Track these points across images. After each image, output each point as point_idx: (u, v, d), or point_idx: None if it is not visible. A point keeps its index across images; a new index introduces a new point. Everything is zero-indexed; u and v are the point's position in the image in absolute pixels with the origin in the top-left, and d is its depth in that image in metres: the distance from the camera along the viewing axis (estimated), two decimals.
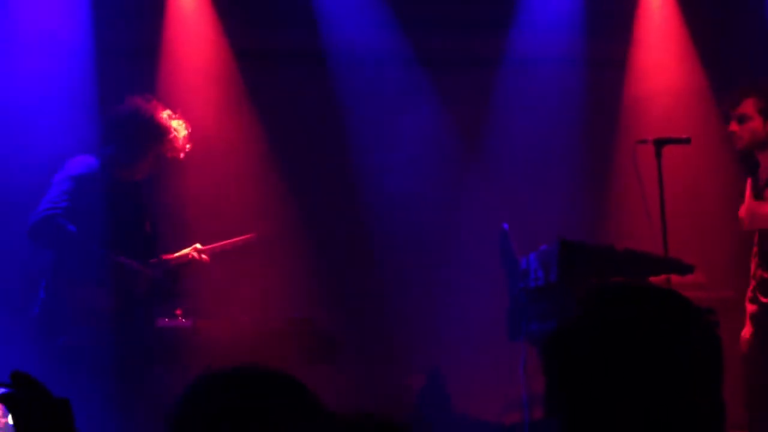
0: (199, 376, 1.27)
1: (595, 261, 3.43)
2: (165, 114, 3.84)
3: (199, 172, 4.77)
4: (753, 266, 4.00)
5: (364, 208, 5.15)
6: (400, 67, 5.22)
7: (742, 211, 3.96)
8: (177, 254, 3.97)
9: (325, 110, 5.17)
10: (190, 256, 3.96)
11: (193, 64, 4.99)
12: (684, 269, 3.56)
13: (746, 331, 3.98)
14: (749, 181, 4.03)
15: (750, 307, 4.00)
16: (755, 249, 4.01)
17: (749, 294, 4.02)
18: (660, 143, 3.93)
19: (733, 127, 3.97)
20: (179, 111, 3.94)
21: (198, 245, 4.02)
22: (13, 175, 4.33)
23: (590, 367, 1.20)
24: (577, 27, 5.24)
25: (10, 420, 1.17)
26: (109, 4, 4.69)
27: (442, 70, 5.31)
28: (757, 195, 3.97)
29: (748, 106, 3.92)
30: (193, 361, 3.65)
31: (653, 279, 3.53)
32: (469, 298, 4.97)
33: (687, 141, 4.01)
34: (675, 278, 3.61)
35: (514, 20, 5.25)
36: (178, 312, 3.87)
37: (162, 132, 3.80)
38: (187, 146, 3.89)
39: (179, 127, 3.85)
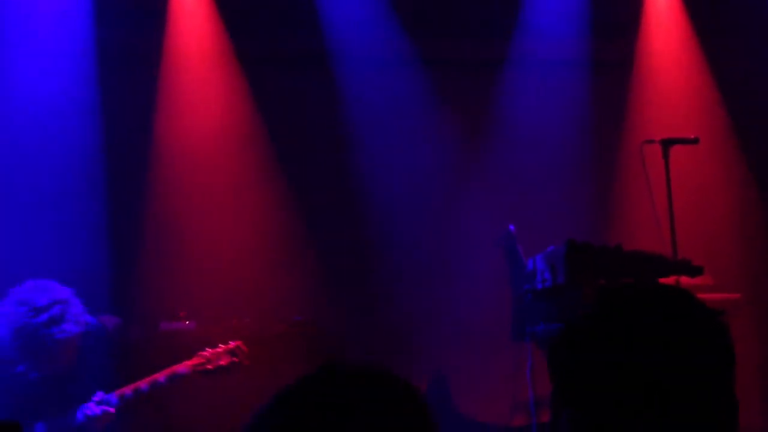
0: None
1: (602, 262, 3.39)
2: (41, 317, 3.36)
3: (204, 174, 4.74)
4: None
5: (369, 210, 5.13)
6: (405, 71, 5.19)
7: None
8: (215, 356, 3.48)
9: (329, 113, 5.14)
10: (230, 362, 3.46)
11: (196, 67, 4.97)
12: (692, 271, 3.52)
13: None
14: None
15: None
16: None
17: None
18: (667, 143, 3.90)
19: None
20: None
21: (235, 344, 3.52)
22: (14, 177, 4.31)
23: (598, 367, 1.19)
24: (582, 28, 5.21)
25: None
26: (111, 8, 4.67)
27: (448, 73, 5.28)
28: None
29: None
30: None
31: (662, 280, 3.49)
32: (473, 300, 4.94)
33: (695, 141, 3.98)
34: (683, 280, 3.57)
35: (518, 22, 5.22)
36: (182, 314, 3.83)
37: (50, 333, 3.32)
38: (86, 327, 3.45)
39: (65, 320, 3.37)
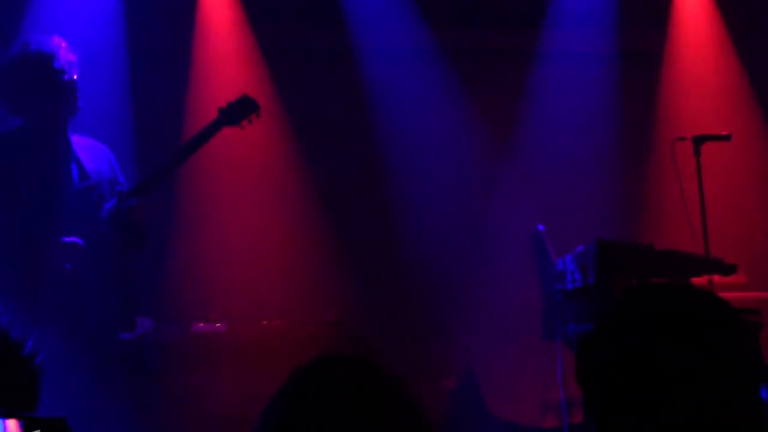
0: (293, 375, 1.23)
1: (634, 262, 3.35)
2: (26, 45, 3.36)
3: (233, 174, 4.77)
4: None
5: (398, 208, 5.12)
6: (432, 66, 5.17)
7: None
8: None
9: (354, 111, 5.14)
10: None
11: (223, 66, 4.99)
12: (726, 269, 3.47)
13: None
14: None
15: None
16: None
17: None
18: (699, 140, 3.85)
19: None
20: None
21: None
22: None
23: (627, 367, 1.19)
24: (611, 19, 5.15)
25: None
26: (141, 8, 4.71)
27: (475, 67, 5.25)
28: None
29: None
30: (228, 365, 3.64)
31: (694, 280, 3.45)
32: (502, 298, 4.91)
33: (727, 138, 3.92)
34: (717, 278, 3.52)
35: (546, 14, 5.17)
36: (213, 317, 3.86)
37: (37, 59, 3.30)
38: (72, 59, 3.40)
39: (49, 45, 3.36)
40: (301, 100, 5.10)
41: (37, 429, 1.10)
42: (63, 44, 3.41)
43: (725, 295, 1.28)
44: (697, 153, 3.83)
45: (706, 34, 5.25)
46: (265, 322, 4.07)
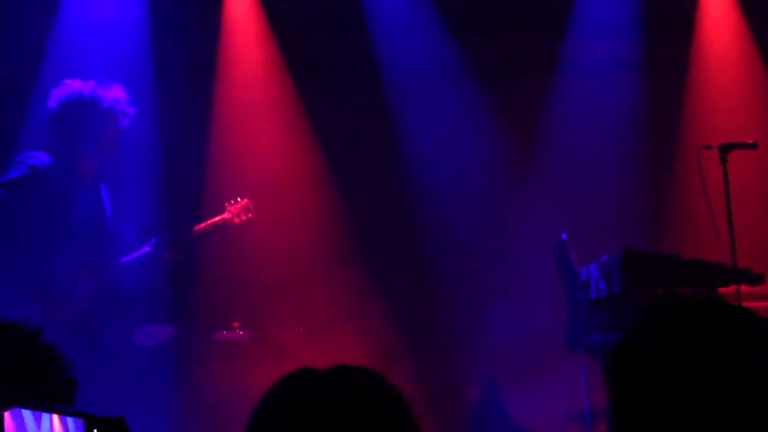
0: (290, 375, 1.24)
1: (660, 271, 3.32)
2: (92, 86, 3.60)
3: (254, 182, 4.78)
4: None
5: (419, 217, 5.11)
6: (454, 74, 5.16)
7: None
8: (209, 222, 3.91)
9: (378, 119, 5.14)
10: (222, 221, 3.90)
11: (247, 74, 5.03)
12: (754, 279, 3.43)
13: None
14: None
15: None
16: None
17: None
18: (726, 149, 3.80)
19: None
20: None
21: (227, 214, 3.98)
22: None
23: (656, 380, 1.17)
24: (635, 27, 5.11)
25: None
26: (166, 19, 4.75)
27: (498, 75, 5.24)
28: None
29: None
30: (250, 373, 3.64)
31: (722, 289, 3.41)
32: (525, 307, 4.88)
33: (754, 146, 3.87)
34: (744, 288, 3.48)
35: (570, 22, 5.15)
36: (236, 324, 3.87)
37: (97, 102, 3.54)
38: (129, 111, 3.64)
39: (113, 92, 3.62)
40: (325, 109, 5.11)
41: (95, 428, 1.11)
42: (126, 96, 3.63)
43: (753, 305, 1.27)
44: (723, 161, 3.78)
45: (731, 41, 5.20)
46: (287, 331, 4.08)
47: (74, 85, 3.58)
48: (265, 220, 4.85)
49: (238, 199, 4.00)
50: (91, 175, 3.60)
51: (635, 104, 5.13)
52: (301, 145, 5.08)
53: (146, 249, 3.68)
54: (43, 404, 1.13)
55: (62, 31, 4.64)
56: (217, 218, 3.93)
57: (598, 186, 5.08)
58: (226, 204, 3.98)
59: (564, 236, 3.84)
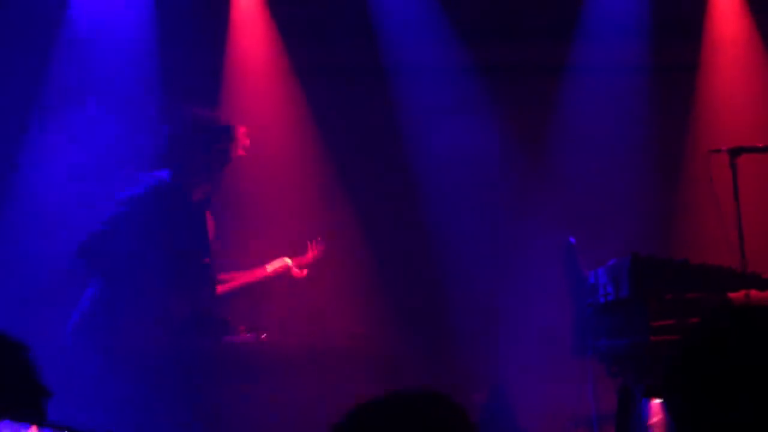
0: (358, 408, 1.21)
1: (668, 276, 3.29)
2: (219, 115, 3.86)
3: (261, 185, 4.78)
4: None
5: (426, 222, 5.10)
6: (462, 78, 5.15)
7: None
8: (271, 267, 3.97)
9: (386, 123, 5.14)
10: (285, 268, 3.96)
11: (255, 79, 5.03)
12: (763, 284, 3.40)
13: None
14: None
15: None
16: None
17: None
18: (735, 152, 3.77)
19: None
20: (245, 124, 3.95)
21: (287, 260, 3.98)
22: (73, 185, 4.41)
23: (720, 385, 1.22)
24: (644, 32, 5.10)
25: None
26: (174, 22, 4.76)
27: (506, 80, 5.23)
28: None
29: None
30: (258, 376, 3.63)
31: (732, 294, 3.38)
32: (532, 312, 4.86)
33: (764, 150, 3.84)
34: (754, 293, 3.45)
35: (579, 27, 5.14)
36: (242, 328, 3.86)
37: (230, 130, 3.74)
38: (247, 145, 3.83)
39: (237, 124, 3.82)
40: (332, 114, 5.11)
41: None
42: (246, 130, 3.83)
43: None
44: (732, 165, 3.75)
45: (740, 45, 5.18)
46: (295, 335, 4.07)
47: (205, 112, 3.76)
48: (272, 225, 4.84)
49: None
50: (201, 200, 3.73)
51: (644, 108, 5.12)
52: (309, 152, 5.07)
53: (259, 272, 3.90)
54: (32, 416, 1.12)
55: (68, 35, 4.65)
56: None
57: (607, 190, 5.07)
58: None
59: (572, 239, 3.82)
